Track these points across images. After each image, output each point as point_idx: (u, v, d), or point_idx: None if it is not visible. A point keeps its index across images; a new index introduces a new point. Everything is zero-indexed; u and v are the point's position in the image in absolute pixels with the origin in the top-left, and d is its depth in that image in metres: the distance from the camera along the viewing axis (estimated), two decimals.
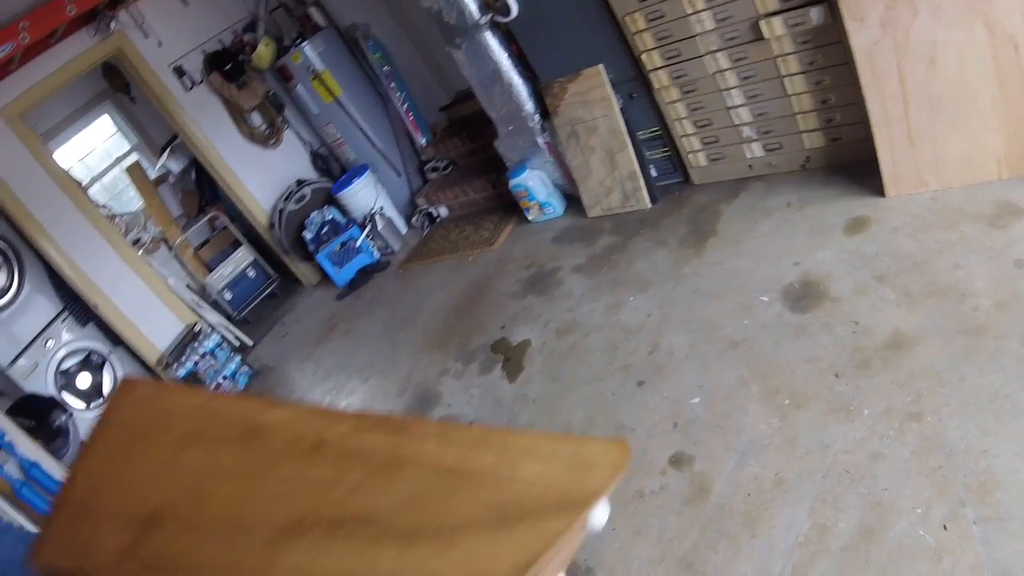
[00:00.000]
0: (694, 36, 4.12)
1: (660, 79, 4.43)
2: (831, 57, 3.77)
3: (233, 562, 0.41)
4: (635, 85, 4.63)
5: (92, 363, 6.24)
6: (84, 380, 6.20)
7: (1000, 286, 2.88)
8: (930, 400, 2.63)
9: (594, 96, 4.70)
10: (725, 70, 4.17)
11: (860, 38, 3.36)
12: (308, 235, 6.77)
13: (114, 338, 6.23)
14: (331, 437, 0.45)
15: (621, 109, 4.69)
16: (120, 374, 6.33)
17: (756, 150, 4.42)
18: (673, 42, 4.21)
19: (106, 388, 6.26)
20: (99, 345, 6.26)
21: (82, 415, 6.03)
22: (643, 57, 4.39)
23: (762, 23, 3.82)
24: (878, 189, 3.73)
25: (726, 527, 2.61)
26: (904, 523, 2.29)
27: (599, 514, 0.42)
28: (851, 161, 4.03)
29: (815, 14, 3.64)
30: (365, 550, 0.40)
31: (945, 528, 2.21)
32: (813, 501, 2.51)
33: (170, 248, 7.74)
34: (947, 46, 3.18)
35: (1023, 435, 2.34)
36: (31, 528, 4.28)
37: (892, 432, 2.58)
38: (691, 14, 4.04)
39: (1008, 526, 2.12)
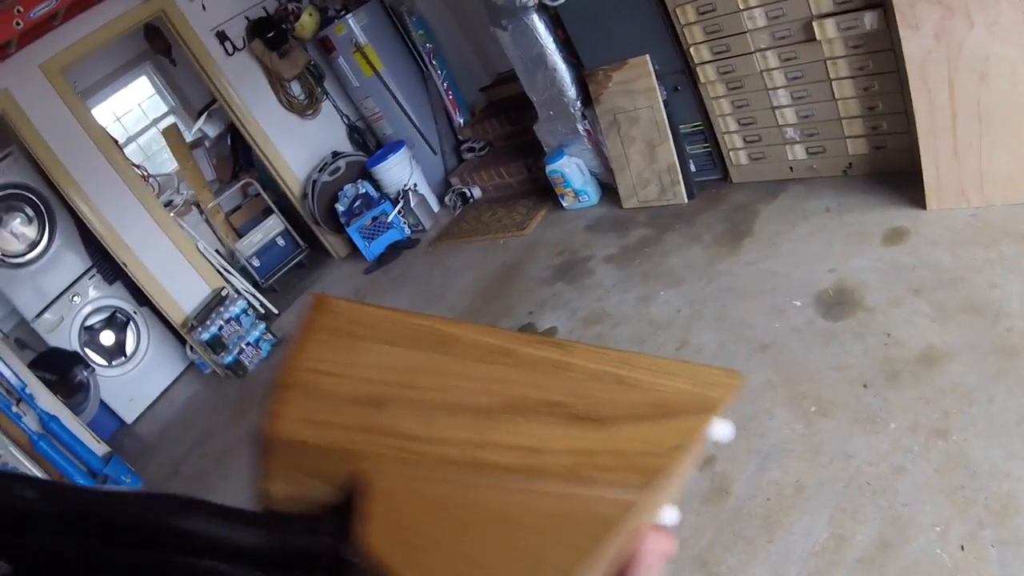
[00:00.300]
0: (744, 32, 4.08)
1: (706, 73, 4.39)
2: (881, 64, 3.73)
3: (456, 437, 0.46)
4: (680, 78, 4.59)
5: (117, 321, 6.33)
6: (108, 337, 6.30)
7: None
8: (957, 418, 2.60)
9: (638, 86, 4.67)
10: (773, 69, 4.13)
11: (913, 46, 3.32)
12: (340, 207, 6.79)
13: (140, 298, 6.31)
14: (512, 347, 0.49)
15: (664, 101, 4.66)
16: (144, 334, 6.39)
17: (798, 152, 4.38)
18: (723, 37, 4.18)
19: (129, 347, 6.36)
20: (125, 304, 6.36)
21: (104, 372, 6.11)
22: (691, 50, 4.35)
23: (815, 24, 3.77)
24: (919, 201, 3.69)
25: (743, 530, 2.60)
26: (922, 540, 2.28)
27: (727, 428, 0.50)
28: (893, 171, 3.99)
29: (869, 19, 3.59)
30: (563, 424, 0.46)
31: (963, 548, 2.20)
32: (832, 511, 2.50)
33: (201, 212, 7.81)
34: (1000, 61, 3.13)
35: None
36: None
37: (917, 447, 2.56)
38: (743, 10, 3.99)
39: None
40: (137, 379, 6.34)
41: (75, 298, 6.07)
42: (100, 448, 5.17)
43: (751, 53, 4.15)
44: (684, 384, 0.49)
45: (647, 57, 4.56)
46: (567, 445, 0.45)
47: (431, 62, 6.70)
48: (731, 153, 4.70)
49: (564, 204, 5.66)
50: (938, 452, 2.52)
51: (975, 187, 3.47)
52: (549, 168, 5.48)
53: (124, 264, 5.96)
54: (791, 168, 4.48)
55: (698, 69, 4.42)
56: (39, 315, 5.91)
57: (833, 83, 3.98)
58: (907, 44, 3.34)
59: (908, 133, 3.78)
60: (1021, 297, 2.92)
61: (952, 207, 3.57)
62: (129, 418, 6.24)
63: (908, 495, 2.43)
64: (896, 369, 2.89)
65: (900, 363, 2.91)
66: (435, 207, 7.03)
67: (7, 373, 4.89)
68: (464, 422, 0.46)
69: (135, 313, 6.38)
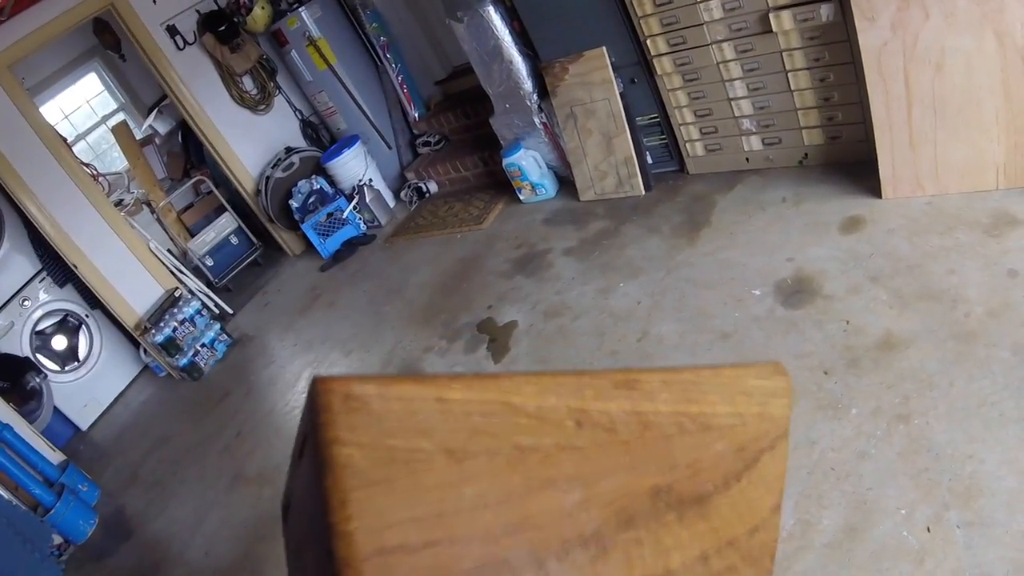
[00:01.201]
0: (701, 24, 4.10)
1: (663, 65, 4.40)
2: (838, 55, 3.77)
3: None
4: (637, 70, 4.60)
5: (69, 325, 6.19)
6: (60, 342, 6.15)
7: (993, 294, 2.89)
8: (918, 403, 2.63)
9: (595, 78, 4.67)
10: (729, 61, 4.15)
11: (869, 38, 3.35)
12: (294, 204, 6.71)
13: (92, 300, 6.15)
14: (582, 406, 0.44)
15: (621, 93, 4.67)
16: (96, 337, 6.26)
17: (755, 143, 4.41)
18: (679, 29, 4.19)
19: (82, 351, 6.21)
20: (77, 307, 6.20)
21: (57, 377, 5.98)
22: (647, 42, 4.36)
23: (771, 16, 3.80)
24: (875, 190, 3.73)
25: None
26: (888, 523, 2.30)
27: None
28: (849, 161, 4.04)
29: (825, 10, 3.63)
30: (675, 525, 0.44)
31: (929, 530, 2.22)
32: (798, 497, 2.51)
33: (153, 211, 7.66)
34: (956, 52, 3.17)
35: (1009, 442, 2.35)
36: None
37: (879, 432, 2.58)
38: (700, 2, 4.01)
39: (991, 532, 2.13)
40: (91, 384, 6.20)
41: (25, 302, 5.91)
42: (55, 456, 5.04)
43: (707, 45, 4.17)
44: (752, 405, 0.48)
45: (604, 49, 4.56)
46: (687, 557, 0.43)
47: (385, 55, 6.64)
48: (688, 145, 4.72)
49: (521, 197, 5.65)
50: (900, 436, 2.54)
51: (930, 176, 3.52)
52: (506, 161, 5.47)
53: (75, 266, 5.81)
54: (747, 159, 4.51)
55: (655, 61, 4.43)
56: None
57: (789, 74, 4.01)
58: (863, 35, 3.37)
59: (863, 123, 3.82)
60: (978, 283, 2.96)
61: (908, 196, 3.62)
62: (84, 424, 6.10)
63: (872, 479, 2.45)
64: (856, 356, 2.92)
65: (860, 350, 2.94)
66: (391, 202, 6.97)
67: None
68: (580, 562, 0.42)
69: (87, 316, 6.23)
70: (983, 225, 3.24)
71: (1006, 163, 3.32)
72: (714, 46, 4.14)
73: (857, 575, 2.21)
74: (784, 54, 3.94)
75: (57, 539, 4.45)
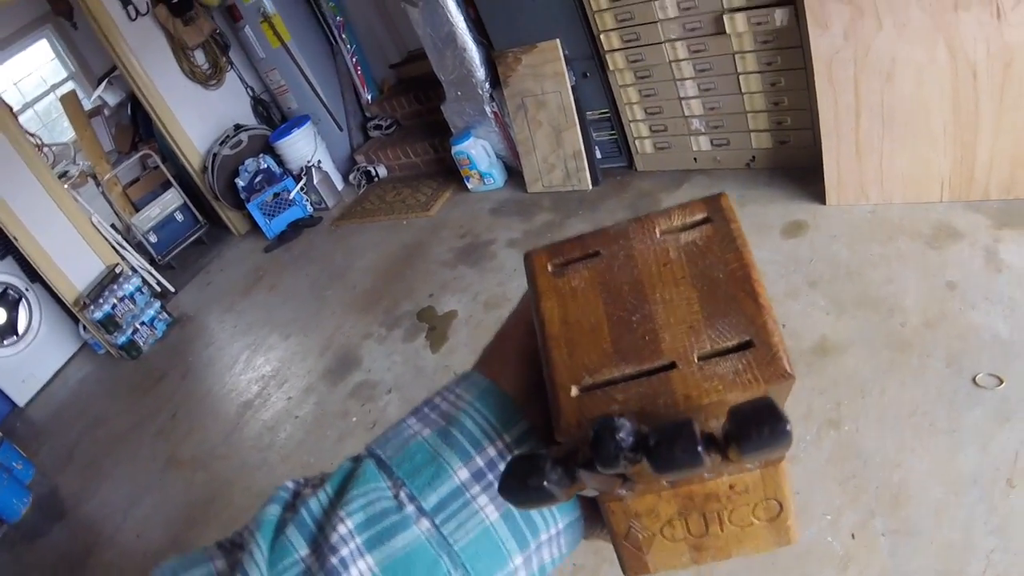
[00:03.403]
0: (655, 22, 4.08)
1: (616, 61, 4.38)
2: (789, 60, 3.77)
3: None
4: (590, 64, 4.57)
5: (8, 298, 6.02)
6: None
7: (930, 305, 2.91)
8: (850, 409, 2.65)
9: (547, 70, 4.64)
10: (682, 60, 4.14)
11: (821, 45, 3.35)
12: (241, 182, 6.60)
13: (32, 274, 5.97)
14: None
15: (573, 87, 4.64)
16: (36, 312, 6.10)
17: (703, 143, 4.41)
18: (634, 25, 4.17)
19: (21, 325, 6.05)
20: (16, 280, 6.03)
21: None
22: (601, 37, 4.33)
23: (725, 17, 3.79)
24: (819, 196, 3.75)
25: None
26: (813, 527, 2.30)
27: None
28: (796, 166, 4.05)
29: (780, 15, 3.63)
30: None
31: (853, 537, 2.23)
32: None
33: (98, 184, 7.48)
34: (907, 64, 3.19)
35: (938, 452, 2.37)
36: None
37: (809, 437, 2.59)
38: None
39: (916, 541, 2.14)
40: (29, 359, 6.04)
41: None
42: None
43: (661, 43, 4.16)
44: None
45: (557, 41, 4.53)
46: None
47: (340, 36, 6.54)
48: (637, 141, 4.71)
49: (469, 186, 5.61)
50: (830, 441, 2.55)
51: (875, 185, 3.54)
52: (455, 149, 5.42)
53: (15, 238, 5.62)
54: (695, 159, 4.51)
55: (608, 56, 4.40)
56: None
57: (740, 77, 4.01)
58: (815, 42, 3.37)
59: (812, 129, 3.83)
60: (916, 293, 2.98)
61: (852, 203, 3.64)
62: (21, 400, 5.95)
63: (800, 483, 2.45)
64: (790, 359, 2.92)
65: (794, 353, 2.94)
66: (339, 185, 6.88)
67: None
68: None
69: (27, 290, 6.05)
70: (924, 236, 3.27)
71: (951, 176, 3.35)
72: (667, 44, 4.13)
73: None
74: (736, 56, 3.94)
75: None
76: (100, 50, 7.20)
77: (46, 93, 9.45)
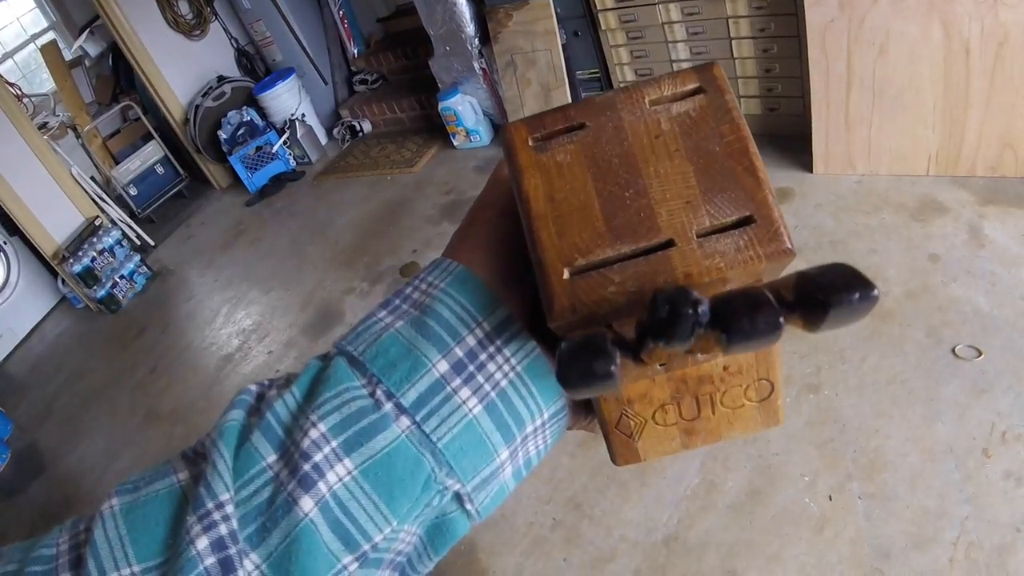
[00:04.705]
0: None
1: (608, 21, 4.36)
2: (783, 28, 3.76)
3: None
4: (582, 23, 4.54)
5: None
6: None
7: (912, 276, 2.94)
8: (829, 374, 2.68)
9: (539, 28, 4.60)
10: (675, 22, 4.13)
11: (816, 14, 3.35)
12: (223, 135, 6.53)
13: (10, 227, 5.87)
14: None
15: (563, 46, 4.62)
16: (14, 265, 6.03)
17: None
18: None
19: None
20: None
21: None
22: None
23: None
24: (807, 165, 3.76)
25: (616, 474, 2.62)
26: (791, 489, 2.33)
27: None
28: (784, 133, 4.05)
29: None
30: None
31: (830, 499, 2.26)
32: (704, 458, 2.54)
33: (78, 136, 7.38)
34: (901, 38, 3.19)
35: (915, 420, 2.40)
36: None
37: (788, 400, 2.61)
38: None
39: (891, 506, 2.18)
40: (7, 314, 5.95)
41: None
42: None
43: (654, 4, 4.13)
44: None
45: None
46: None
47: None
48: None
49: (455, 143, 5.59)
50: (809, 406, 2.58)
51: (863, 156, 3.56)
52: (442, 105, 5.38)
53: None
54: None
55: (600, 16, 4.37)
56: None
57: (733, 42, 4.00)
58: (810, 11, 3.37)
59: (802, 98, 3.84)
60: (899, 263, 3.01)
61: (839, 173, 3.66)
62: None
63: (779, 446, 2.48)
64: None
65: None
66: (323, 139, 6.84)
67: None
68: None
69: (5, 243, 5.94)
70: (910, 209, 3.29)
71: (939, 151, 3.36)
72: (661, 6, 4.10)
73: (758, 538, 2.25)
74: (730, 21, 3.93)
75: None
76: None
77: (26, 43, 9.32)
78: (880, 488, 2.23)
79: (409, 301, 0.49)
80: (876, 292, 0.32)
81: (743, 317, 0.32)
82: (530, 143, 0.45)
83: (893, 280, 2.96)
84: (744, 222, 0.41)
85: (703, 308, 0.32)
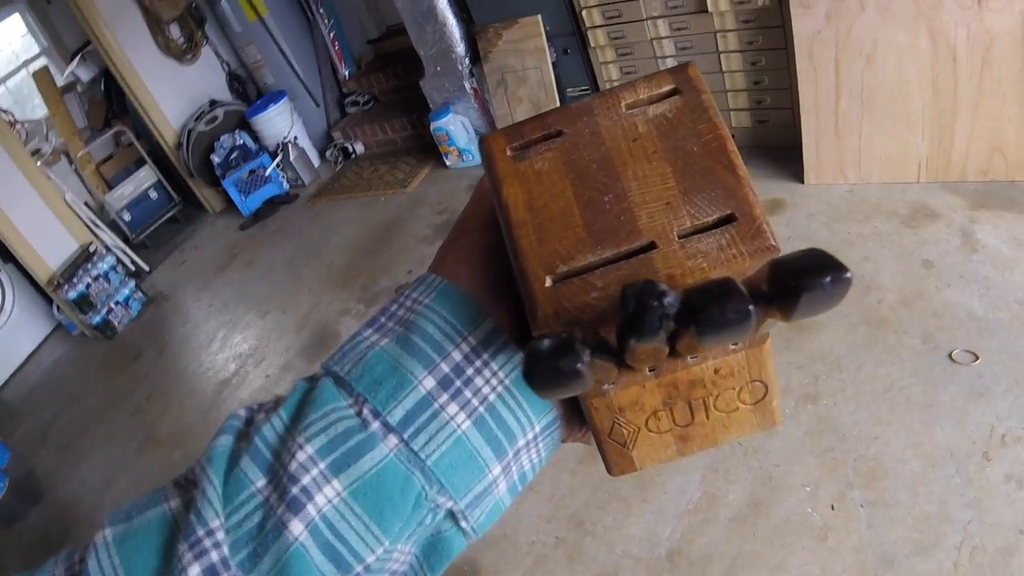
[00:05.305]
0: None
1: (597, 38, 4.38)
2: (771, 40, 3.79)
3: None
4: (571, 40, 4.57)
5: None
6: None
7: (906, 283, 2.95)
8: (827, 383, 2.68)
9: (528, 46, 4.63)
10: (663, 38, 4.15)
11: (803, 25, 3.38)
12: (216, 159, 6.53)
13: (5, 254, 5.87)
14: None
15: (554, 63, 4.64)
16: (9, 292, 6.02)
17: None
18: (616, 2, 4.17)
19: None
20: None
21: None
22: (583, 13, 4.33)
23: None
24: (798, 175, 3.78)
25: (618, 489, 2.62)
26: (793, 499, 2.34)
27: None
28: (775, 145, 4.08)
29: None
30: None
31: (832, 508, 2.26)
32: (705, 470, 2.54)
33: (71, 161, 7.38)
34: (888, 46, 3.21)
35: (914, 427, 2.40)
36: None
37: (788, 411, 2.62)
38: None
39: (893, 512, 2.18)
40: (2, 340, 5.93)
41: None
42: None
43: (643, 20, 4.16)
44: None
45: (539, 17, 4.52)
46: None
47: (318, 10, 6.48)
48: None
49: (448, 162, 5.60)
50: (808, 415, 2.58)
51: (853, 165, 3.58)
52: (434, 125, 5.40)
53: None
54: None
55: (589, 33, 4.40)
56: None
57: (721, 55, 4.02)
58: (797, 22, 3.39)
59: (791, 109, 3.86)
60: (892, 271, 3.02)
61: (830, 183, 3.67)
62: None
63: (779, 456, 2.49)
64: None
65: (772, 329, 2.96)
66: (316, 161, 6.84)
67: None
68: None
69: None
70: (901, 216, 3.31)
71: (928, 158, 3.38)
72: (649, 22, 4.13)
73: (761, 549, 2.25)
74: (718, 35, 3.95)
75: None
76: (74, 25, 7.08)
77: (18, 69, 9.30)
78: (881, 495, 2.24)
79: (394, 319, 0.49)
80: (849, 275, 0.32)
81: (712, 307, 0.31)
82: (508, 153, 0.46)
83: (887, 287, 2.97)
84: (726, 220, 0.41)
85: (669, 299, 0.33)
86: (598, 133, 0.45)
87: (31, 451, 4.76)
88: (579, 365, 0.33)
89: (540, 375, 0.34)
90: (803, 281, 0.31)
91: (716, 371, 0.44)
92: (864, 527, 2.17)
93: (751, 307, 0.32)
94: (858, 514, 2.21)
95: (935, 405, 2.45)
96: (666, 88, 0.45)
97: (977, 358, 2.55)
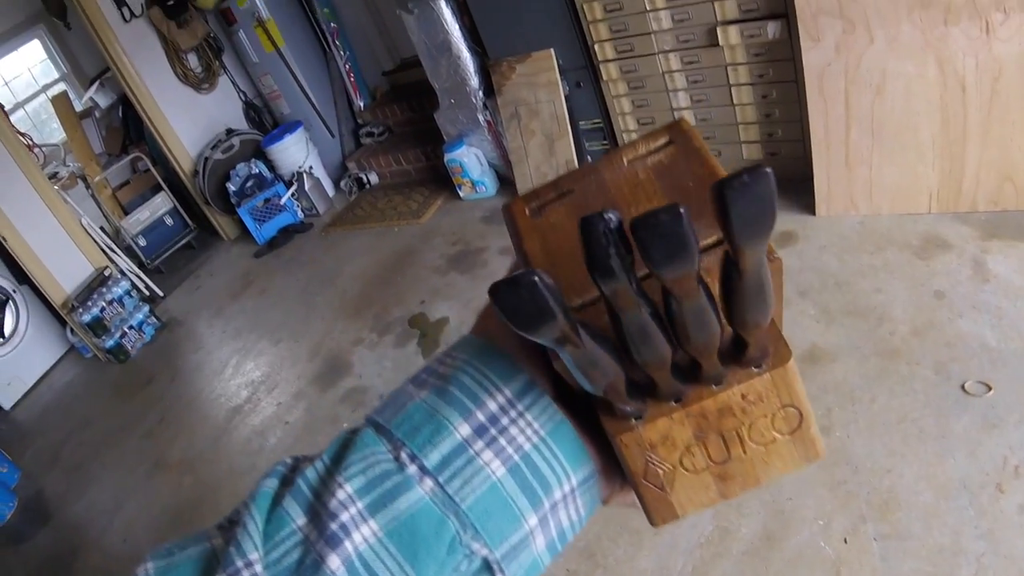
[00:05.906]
0: (649, 33, 4.11)
1: (609, 71, 4.42)
2: (781, 73, 3.81)
3: None
4: (583, 74, 4.60)
5: None
6: None
7: (918, 314, 2.95)
8: (840, 415, 2.68)
9: (541, 80, 4.67)
10: (675, 71, 4.18)
11: (813, 57, 3.40)
12: (232, 187, 6.58)
13: (20, 275, 5.92)
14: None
15: (566, 96, 4.68)
16: (23, 314, 6.06)
17: None
18: (627, 36, 4.21)
19: (8, 327, 5.98)
20: (4, 282, 5.97)
21: None
22: (595, 47, 4.37)
23: (719, 29, 3.83)
24: (809, 207, 3.79)
25: (629, 522, 2.61)
26: (806, 533, 2.33)
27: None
28: (786, 177, 4.07)
29: (772, 28, 3.67)
30: None
31: (845, 541, 2.26)
32: (717, 505, 2.53)
33: (88, 186, 7.45)
34: (897, 77, 3.23)
35: (927, 458, 2.40)
36: None
37: None
38: (649, 11, 4.02)
39: (907, 545, 2.17)
40: (16, 362, 5.98)
41: None
42: None
43: (654, 54, 4.19)
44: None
45: (552, 51, 4.56)
46: None
47: (335, 42, 6.56)
48: None
49: (461, 194, 5.63)
50: None
51: (864, 196, 3.59)
52: (447, 157, 5.44)
53: (3, 239, 5.58)
54: None
55: (601, 66, 4.44)
56: None
57: (732, 88, 4.05)
58: (807, 55, 3.42)
59: (802, 141, 3.88)
60: (904, 302, 3.02)
61: (841, 214, 3.68)
62: (7, 403, 5.90)
63: (791, 489, 2.48)
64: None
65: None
66: (330, 191, 6.89)
67: None
68: None
69: (15, 292, 5.99)
70: (913, 247, 3.31)
71: (939, 188, 3.39)
72: (661, 56, 4.16)
73: None
74: (729, 68, 3.98)
75: None
76: (93, 51, 7.20)
77: (37, 94, 9.43)
78: (895, 528, 2.23)
79: (435, 375, 0.51)
80: (768, 169, 0.32)
81: (647, 217, 0.33)
82: (527, 212, 0.50)
83: (899, 319, 2.97)
84: (722, 241, 0.43)
85: (609, 215, 0.35)
86: (603, 185, 0.49)
87: (41, 472, 4.79)
88: (536, 278, 0.34)
89: (508, 299, 0.35)
90: (725, 183, 0.32)
91: (743, 396, 0.45)
92: (877, 560, 2.16)
93: (681, 209, 0.32)
94: (871, 547, 2.20)
95: (948, 436, 2.45)
96: (662, 141, 0.49)
97: (990, 389, 2.55)
